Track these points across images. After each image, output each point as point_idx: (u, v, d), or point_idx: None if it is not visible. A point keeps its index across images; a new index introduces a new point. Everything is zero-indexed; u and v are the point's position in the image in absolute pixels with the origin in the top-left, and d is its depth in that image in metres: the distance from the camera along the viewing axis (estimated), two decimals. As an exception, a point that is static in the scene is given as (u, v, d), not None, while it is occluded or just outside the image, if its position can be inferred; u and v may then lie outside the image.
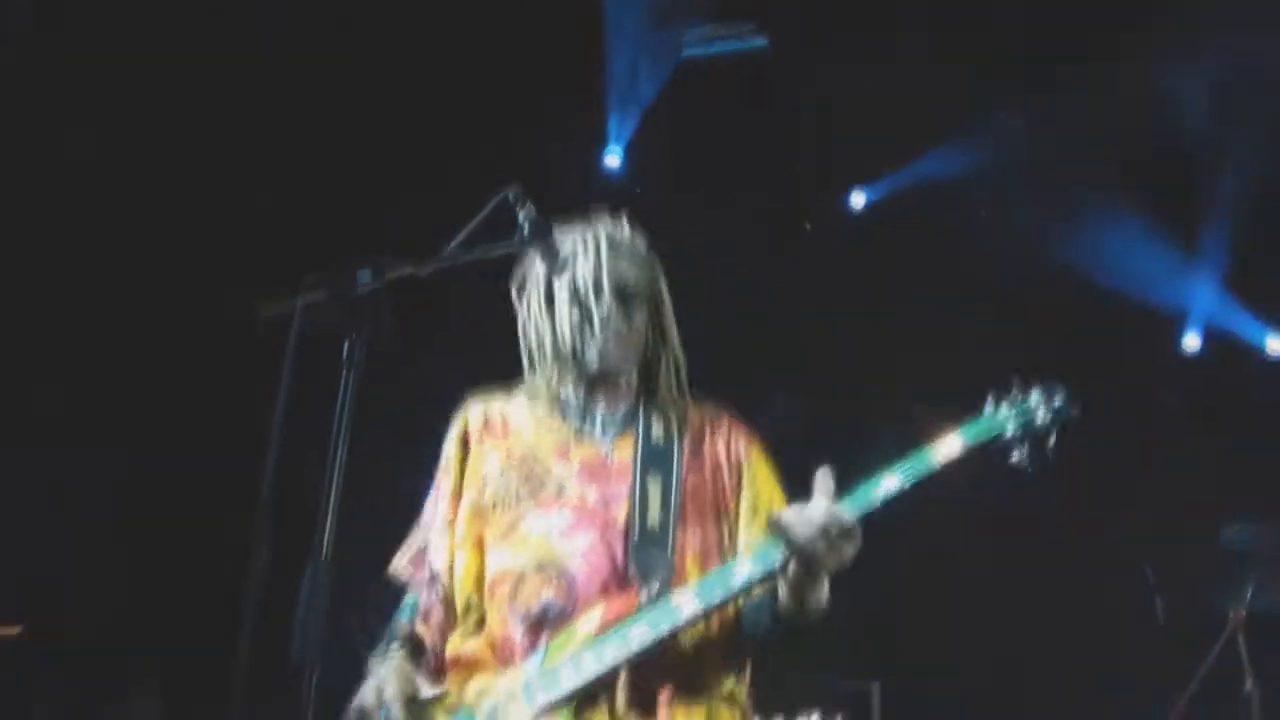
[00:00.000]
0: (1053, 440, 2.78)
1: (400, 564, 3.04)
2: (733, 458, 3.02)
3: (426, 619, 2.93)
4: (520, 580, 2.80)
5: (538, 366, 3.04)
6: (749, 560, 2.70)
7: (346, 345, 2.28)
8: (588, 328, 2.94)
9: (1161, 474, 6.85)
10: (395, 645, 2.89)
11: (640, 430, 2.97)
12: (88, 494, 6.48)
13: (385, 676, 2.78)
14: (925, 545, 6.86)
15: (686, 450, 2.97)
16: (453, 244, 2.62)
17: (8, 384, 6.37)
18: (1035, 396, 2.80)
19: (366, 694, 2.77)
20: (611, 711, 2.68)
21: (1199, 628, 5.93)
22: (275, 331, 2.25)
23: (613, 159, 7.55)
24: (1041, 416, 2.78)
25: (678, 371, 3.06)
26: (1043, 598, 6.79)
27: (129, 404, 6.51)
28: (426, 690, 2.77)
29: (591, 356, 2.95)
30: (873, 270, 7.44)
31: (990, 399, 2.83)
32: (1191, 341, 7.64)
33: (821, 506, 2.60)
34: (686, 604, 2.67)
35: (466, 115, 6.65)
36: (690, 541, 2.86)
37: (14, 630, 6.82)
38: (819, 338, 7.33)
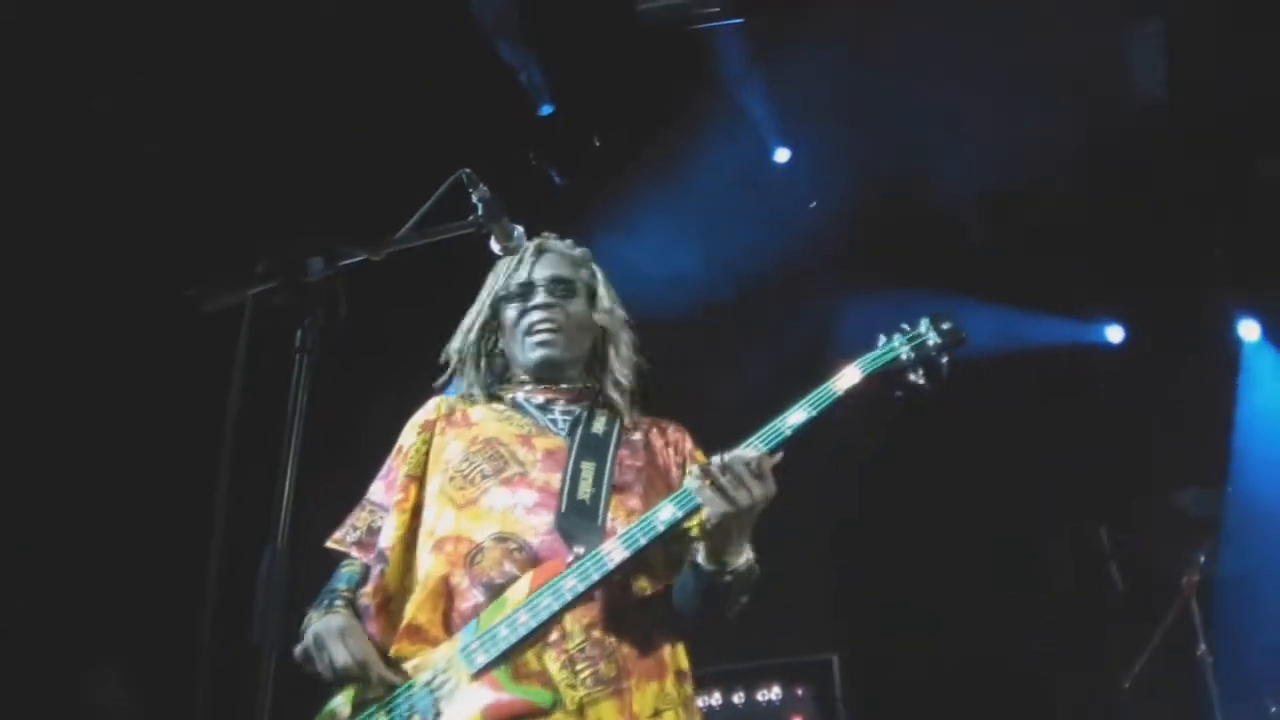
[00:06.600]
0: (945, 360, 2.94)
1: (344, 539, 3.11)
2: (678, 456, 3.17)
3: (365, 591, 2.97)
4: (479, 550, 2.85)
5: (464, 373, 3.22)
6: (670, 504, 2.79)
7: (300, 332, 2.29)
8: (524, 319, 3.15)
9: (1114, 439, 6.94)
10: (339, 603, 2.94)
11: (584, 421, 3.10)
12: (45, 486, 6.43)
13: (345, 628, 2.83)
14: (882, 515, 6.95)
15: (628, 444, 3.10)
16: (407, 226, 2.63)
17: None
18: (924, 324, 2.97)
19: (333, 646, 2.79)
20: (552, 683, 2.72)
21: (1154, 593, 6.03)
22: (233, 316, 2.26)
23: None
24: (932, 338, 2.94)
25: (623, 359, 3.22)
26: (999, 566, 6.88)
27: (87, 391, 6.47)
28: (388, 673, 2.81)
29: (533, 346, 3.13)
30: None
31: (882, 336, 2.98)
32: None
33: (731, 452, 2.73)
34: (614, 552, 2.76)
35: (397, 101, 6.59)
36: (628, 521, 2.90)
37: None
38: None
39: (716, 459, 2.71)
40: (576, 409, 3.14)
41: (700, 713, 2.98)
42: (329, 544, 3.13)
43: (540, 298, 3.16)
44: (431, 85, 6.53)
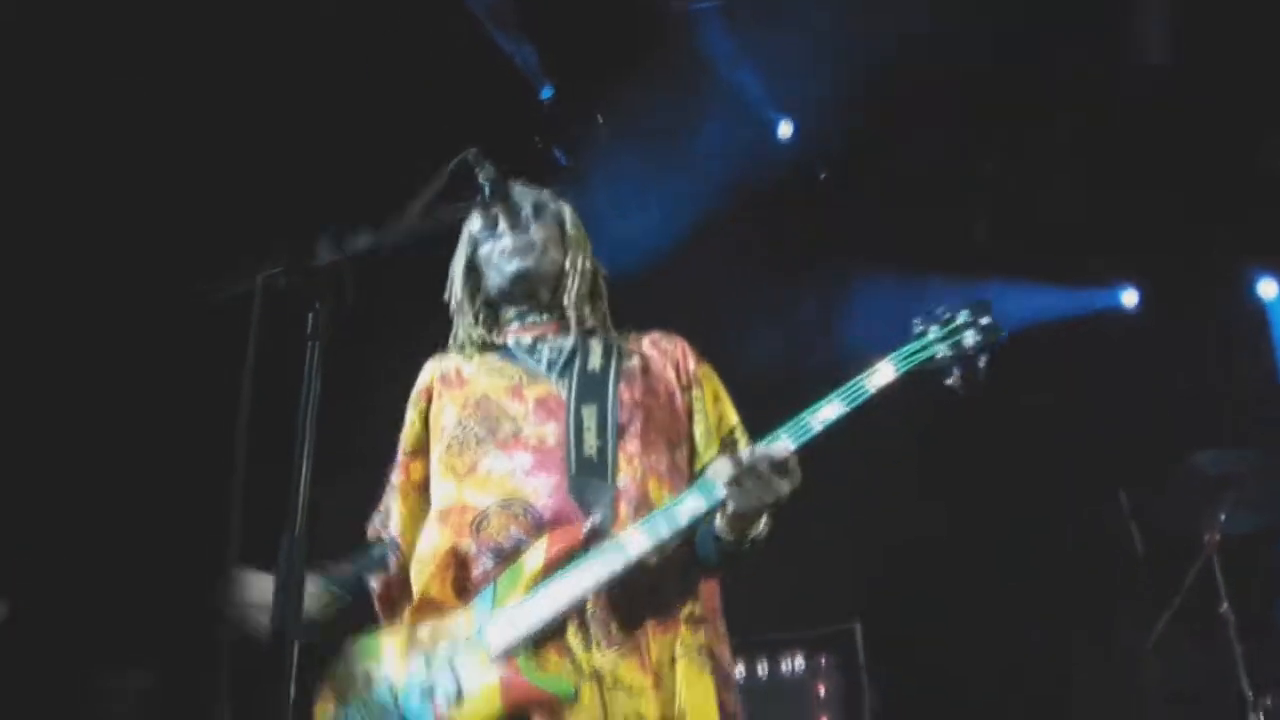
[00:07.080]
0: (984, 361, 2.78)
1: (374, 525, 3.17)
2: (683, 380, 3.12)
3: (387, 578, 3.05)
4: (484, 517, 2.85)
5: (461, 312, 3.21)
6: (694, 495, 2.75)
7: (310, 317, 2.28)
8: (497, 244, 3.11)
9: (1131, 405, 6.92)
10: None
11: (578, 362, 3.06)
12: (56, 478, 6.45)
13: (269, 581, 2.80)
14: (902, 482, 6.94)
15: (626, 375, 3.04)
16: (413, 209, 2.61)
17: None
18: (963, 316, 2.80)
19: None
20: (568, 649, 2.74)
21: (1175, 552, 6.01)
22: (241, 304, 2.25)
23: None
24: (970, 337, 2.77)
25: (592, 285, 3.20)
26: (1019, 532, 6.86)
27: (102, 381, 6.48)
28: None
29: (507, 260, 3.10)
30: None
31: (917, 321, 2.82)
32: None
33: (753, 449, 2.67)
34: (636, 541, 2.73)
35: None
36: (639, 463, 2.91)
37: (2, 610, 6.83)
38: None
39: (745, 454, 2.65)
40: (567, 343, 3.10)
41: (721, 660, 2.91)
42: (368, 537, 3.17)
43: (510, 221, 3.12)
44: (433, 69, 6.52)
